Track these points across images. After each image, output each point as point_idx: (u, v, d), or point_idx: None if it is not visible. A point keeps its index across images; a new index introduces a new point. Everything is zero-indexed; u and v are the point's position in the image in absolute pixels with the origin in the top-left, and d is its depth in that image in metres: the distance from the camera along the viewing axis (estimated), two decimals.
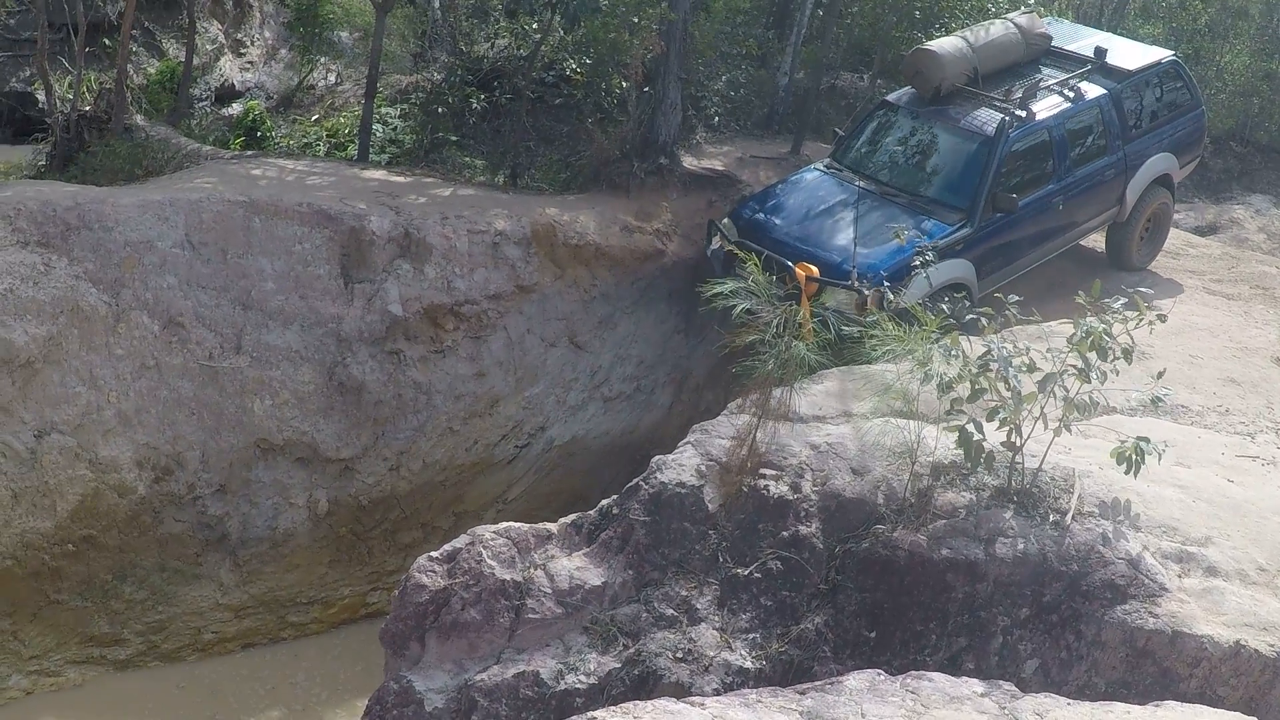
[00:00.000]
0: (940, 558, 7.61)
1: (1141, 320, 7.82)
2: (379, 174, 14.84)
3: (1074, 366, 7.66)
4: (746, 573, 7.86)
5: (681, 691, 7.12)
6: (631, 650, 7.67)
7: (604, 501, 8.59)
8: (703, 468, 8.36)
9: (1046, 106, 14.10)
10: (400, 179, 14.73)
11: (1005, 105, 13.88)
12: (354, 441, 13.14)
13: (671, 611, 7.78)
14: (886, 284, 11.73)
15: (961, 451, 7.81)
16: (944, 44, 14.67)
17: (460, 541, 8.29)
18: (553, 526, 8.45)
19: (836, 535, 7.88)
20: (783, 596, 7.76)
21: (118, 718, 11.70)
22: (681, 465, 8.41)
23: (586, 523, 8.45)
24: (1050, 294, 12.66)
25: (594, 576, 8.05)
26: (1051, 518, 7.77)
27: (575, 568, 8.09)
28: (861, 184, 14.23)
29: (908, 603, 7.60)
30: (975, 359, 7.81)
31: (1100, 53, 14.96)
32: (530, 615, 7.90)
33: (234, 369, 12.65)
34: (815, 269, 12.47)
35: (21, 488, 11.67)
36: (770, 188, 14.88)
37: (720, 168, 16.04)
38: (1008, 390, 7.66)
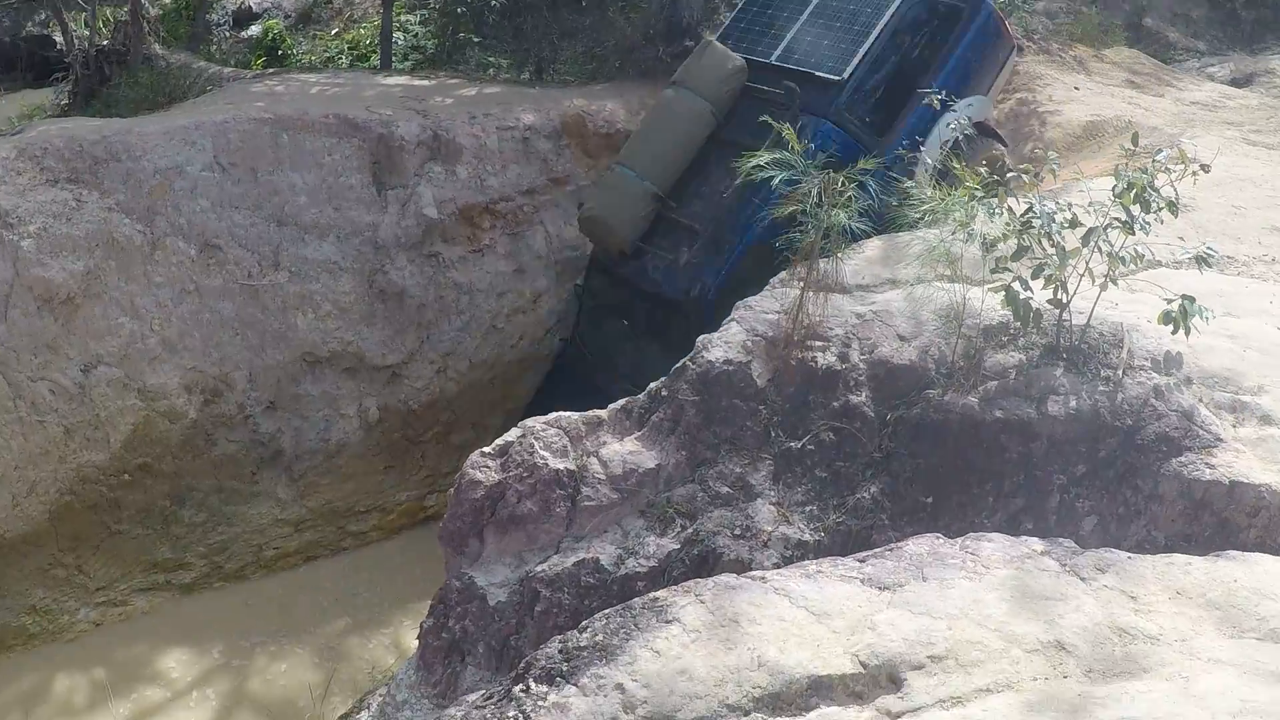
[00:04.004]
0: (993, 419, 7.55)
1: (1186, 171, 7.69)
2: (403, 80, 14.81)
3: (1117, 220, 7.54)
4: (799, 446, 7.83)
5: (742, 568, 7.12)
6: (690, 531, 7.67)
7: (652, 384, 8.55)
8: (749, 343, 8.29)
9: None
10: (425, 82, 14.69)
11: None
12: (399, 347, 13.19)
13: (727, 489, 7.76)
14: None
15: (1008, 312, 7.72)
16: (605, 197, 12.57)
17: (511, 435, 8.27)
18: (603, 413, 8.41)
19: (887, 403, 7.83)
20: (837, 467, 7.73)
21: (187, 640, 11.81)
22: (728, 342, 8.34)
23: (636, 407, 8.41)
24: None
25: (647, 460, 8.02)
26: (1103, 373, 7.66)
27: (628, 452, 8.06)
28: (600, 380, 12.35)
29: (963, 466, 7.55)
30: (1018, 217, 7.72)
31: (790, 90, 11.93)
32: (586, 503, 7.90)
33: (274, 285, 12.68)
34: None
35: (74, 422, 11.75)
36: None
37: None
38: (1052, 247, 7.55)
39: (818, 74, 11.91)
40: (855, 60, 11.86)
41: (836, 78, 11.82)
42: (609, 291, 12.90)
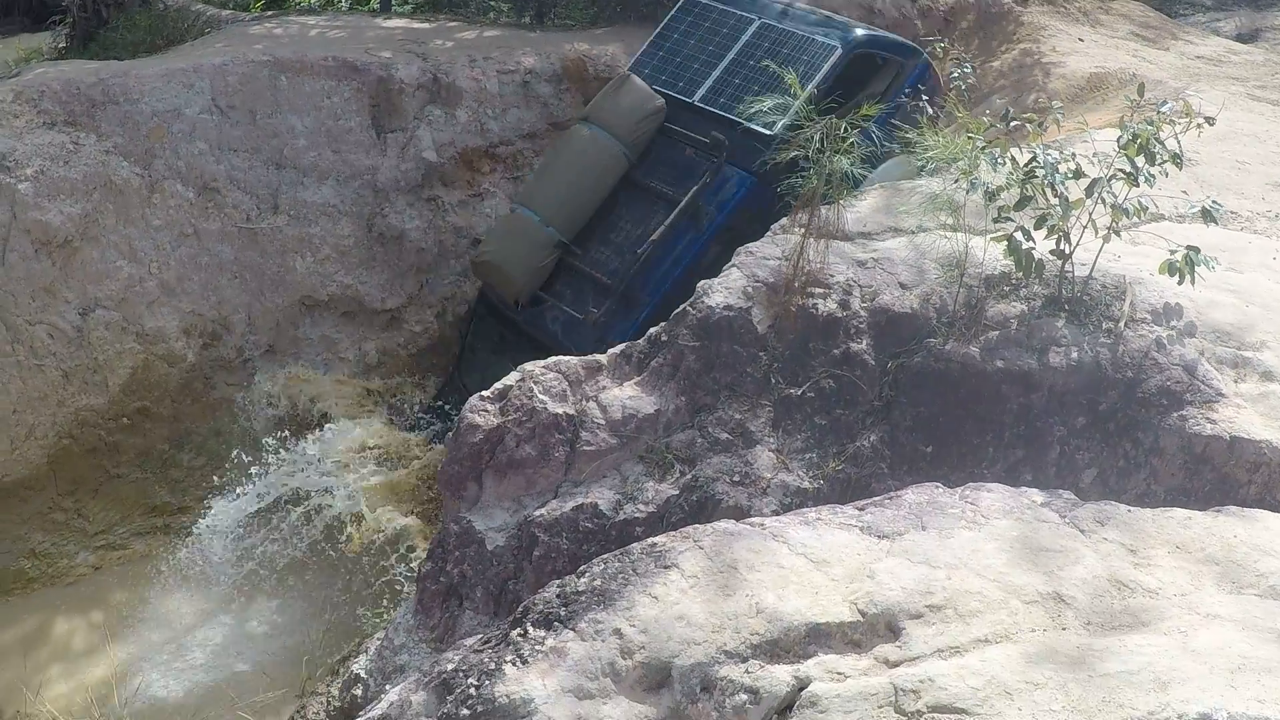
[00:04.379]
0: (994, 369, 7.52)
1: (1190, 124, 7.64)
2: (401, 22, 14.75)
3: (1122, 171, 7.50)
4: (799, 393, 7.79)
5: (740, 514, 7.10)
6: (689, 477, 7.65)
7: (652, 329, 8.51)
8: (750, 289, 8.24)
9: None
10: (425, 25, 14.61)
11: None
12: (398, 291, 13.19)
13: (726, 436, 7.74)
14: None
15: (1010, 262, 7.69)
16: (502, 241, 11.79)
17: (511, 378, 8.25)
18: (602, 358, 8.38)
19: (888, 351, 7.79)
20: (837, 415, 7.70)
21: (185, 585, 11.82)
22: (728, 288, 8.28)
23: (636, 351, 8.38)
24: None
25: (647, 405, 8.00)
26: (1104, 325, 7.63)
27: (628, 397, 8.04)
28: None
29: (963, 416, 7.53)
30: (1021, 167, 7.68)
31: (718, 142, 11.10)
32: (585, 448, 7.88)
33: (273, 229, 12.66)
34: None
35: (72, 366, 11.74)
36: None
37: None
38: (1055, 197, 7.51)
39: (748, 125, 10.84)
40: (788, 115, 10.01)
41: (768, 132, 10.65)
42: (498, 336, 12.12)
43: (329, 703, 8.48)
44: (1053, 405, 7.46)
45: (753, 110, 9.50)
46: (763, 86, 10.80)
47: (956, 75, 10.69)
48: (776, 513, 7.10)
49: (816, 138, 7.82)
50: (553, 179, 11.62)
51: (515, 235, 11.44)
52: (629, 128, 11.50)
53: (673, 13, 12.58)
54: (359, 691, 8.17)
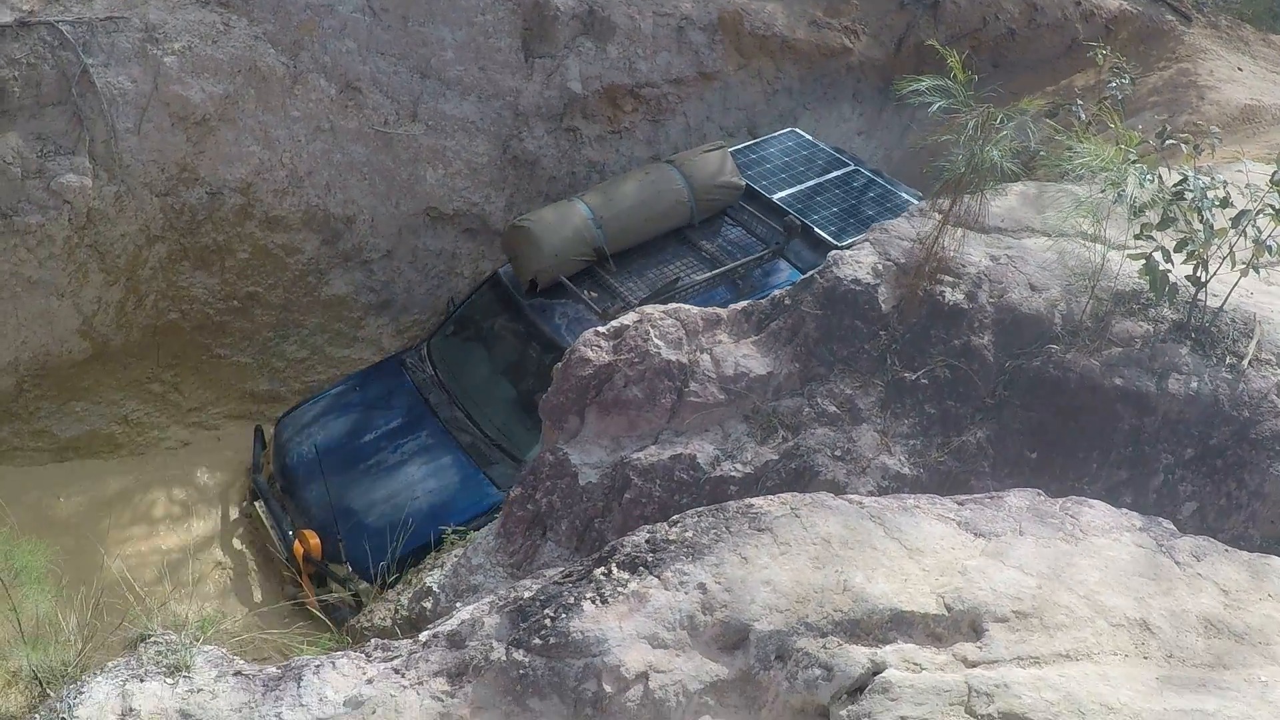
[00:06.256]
0: (1111, 385, 7.42)
1: None
2: None
3: (1271, 207, 7.37)
4: (914, 378, 7.73)
5: (836, 489, 7.08)
6: (790, 444, 7.60)
7: (776, 291, 8.47)
8: (879, 266, 8.17)
9: None
10: None
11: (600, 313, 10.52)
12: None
13: (834, 409, 7.69)
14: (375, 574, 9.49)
15: (1144, 280, 7.59)
16: (548, 217, 11.32)
17: (628, 319, 8.24)
18: (723, 311, 8.34)
19: (1008, 350, 7.70)
20: (947, 406, 7.63)
21: None
22: (859, 262, 8.22)
23: (757, 311, 8.33)
24: None
25: (759, 366, 7.96)
26: (1228, 360, 7.51)
27: (742, 355, 8.00)
28: (434, 397, 11.40)
29: (1073, 427, 7.44)
30: (1170, 186, 7.56)
31: (791, 227, 11.31)
32: (692, 399, 7.85)
33: (408, 136, 12.70)
34: (316, 541, 10.16)
35: (190, 243, 11.91)
36: (342, 382, 12.12)
37: None
38: (1199, 223, 7.39)
39: (816, 231, 11.47)
40: (850, 235, 11.27)
41: (833, 241, 11.19)
42: (490, 312, 11.80)
43: (396, 610, 8.55)
44: (1164, 432, 7.36)
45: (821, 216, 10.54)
46: (840, 211, 11.74)
47: (1114, 84, 10.54)
48: (872, 494, 7.07)
49: (971, 124, 7.71)
50: (621, 194, 11.56)
51: (564, 219, 11.21)
52: (707, 188, 11.68)
53: (775, 134, 13.24)
54: (429, 604, 8.23)
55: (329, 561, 10.00)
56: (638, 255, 11.42)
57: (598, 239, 11.17)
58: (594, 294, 10.96)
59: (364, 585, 9.58)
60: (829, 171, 12.47)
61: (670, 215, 11.57)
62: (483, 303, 11.81)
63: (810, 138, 13.14)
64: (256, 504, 11.03)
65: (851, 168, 12.51)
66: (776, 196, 12.00)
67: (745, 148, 12.87)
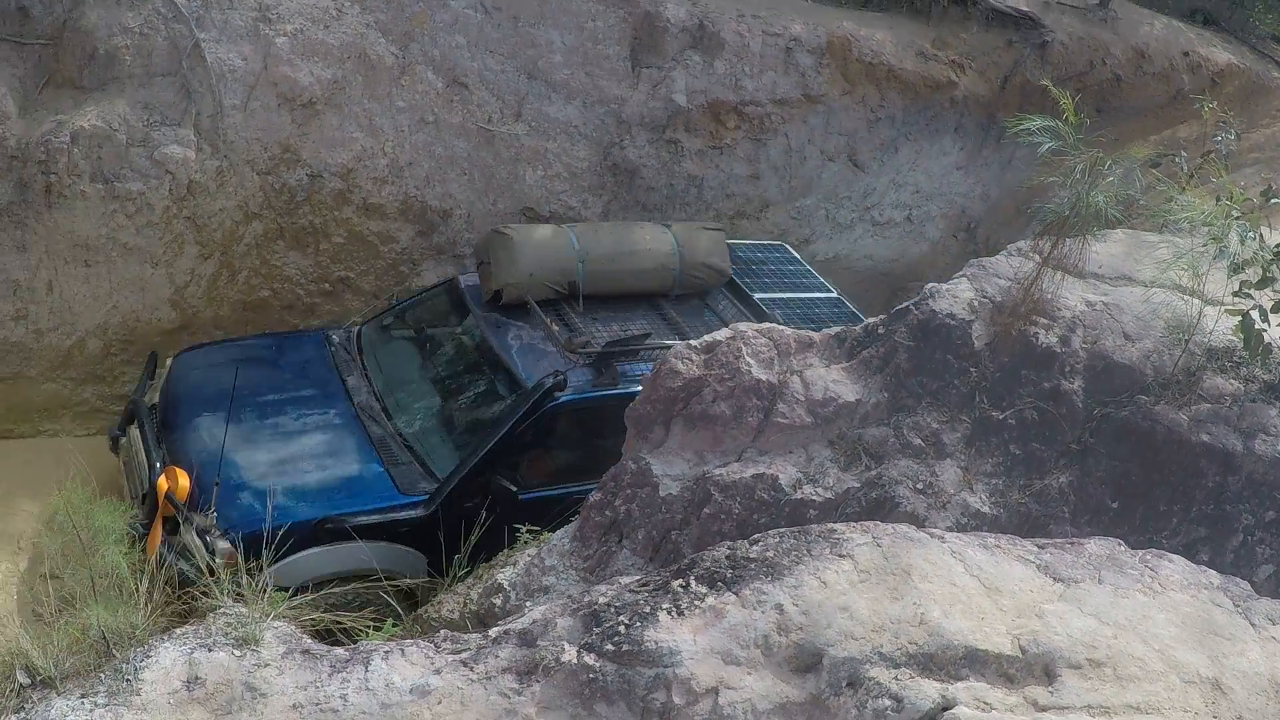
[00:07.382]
0: (1198, 441, 7.37)
1: None
2: None
3: None
4: (1001, 417, 7.71)
5: (915, 522, 7.07)
6: (873, 473, 7.60)
7: (870, 320, 8.50)
8: (975, 303, 8.16)
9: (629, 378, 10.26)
10: None
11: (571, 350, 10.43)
12: None
13: (919, 441, 7.69)
14: (243, 539, 8.93)
15: (1238, 338, 7.56)
16: (535, 234, 11.25)
17: (721, 334, 8.27)
18: (816, 335, 8.37)
19: (1098, 397, 7.66)
20: (1032, 448, 7.61)
21: None
22: (955, 297, 8.21)
23: (850, 337, 8.34)
24: None
25: (849, 392, 7.97)
26: None
27: (831, 380, 8.01)
28: (352, 380, 11.02)
29: (1156, 480, 7.40)
30: (1273, 245, 7.53)
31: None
32: (779, 419, 7.86)
33: (511, 135, 12.82)
34: (186, 482, 9.45)
35: (287, 223, 12.04)
36: (259, 337, 11.90)
37: (1024, 8, 15.44)
38: None
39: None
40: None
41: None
42: (437, 316, 11.67)
43: (465, 604, 8.61)
44: (1247, 492, 7.31)
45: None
46: (812, 318, 11.74)
47: (1219, 138, 10.47)
48: (951, 529, 7.06)
49: (1079, 167, 7.70)
50: (613, 239, 11.55)
51: (549, 242, 11.15)
52: (695, 264, 11.68)
53: (765, 243, 13.37)
54: (498, 601, 8.27)
55: (193, 509, 9.34)
56: (607, 305, 11.32)
57: (576, 273, 11.09)
58: (556, 326, 10.79)
59: (222, 545, 9.03)
60: (810, 291, 12.58)
61: (653, 277, 11.58)
62: (432, 304, 11.70)
63: (798, 255, 13.27)
64: (130, 428, 10.58)
65: (834, 294, 12.61)
66: (757, 296, 12.05)
67: (734, 244, 12.87)
